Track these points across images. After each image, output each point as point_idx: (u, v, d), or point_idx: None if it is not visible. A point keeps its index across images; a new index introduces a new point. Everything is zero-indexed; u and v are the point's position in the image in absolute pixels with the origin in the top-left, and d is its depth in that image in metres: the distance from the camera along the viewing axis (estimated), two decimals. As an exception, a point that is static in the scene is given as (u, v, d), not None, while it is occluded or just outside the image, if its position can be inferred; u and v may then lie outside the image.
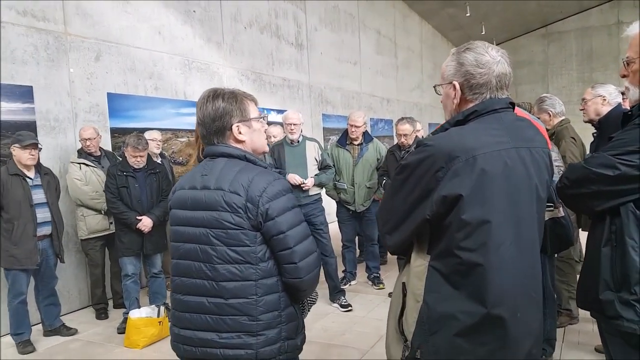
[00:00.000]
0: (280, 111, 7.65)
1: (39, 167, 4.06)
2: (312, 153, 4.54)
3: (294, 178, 4.32)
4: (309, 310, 1.90)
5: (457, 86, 1.47)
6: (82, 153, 4.66)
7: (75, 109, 4.99)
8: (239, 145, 1.70)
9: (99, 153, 4.76)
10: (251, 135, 1.72)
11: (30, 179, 3.95)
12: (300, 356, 1.77)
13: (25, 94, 4.52)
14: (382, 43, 11.59)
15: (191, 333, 1.63)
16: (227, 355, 1.58)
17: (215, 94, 1.67)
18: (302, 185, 4.35)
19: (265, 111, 7.69)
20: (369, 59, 10.94)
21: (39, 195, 3.98)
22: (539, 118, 3.64)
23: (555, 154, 3.24)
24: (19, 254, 3.79)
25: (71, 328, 4.21)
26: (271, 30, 7.93)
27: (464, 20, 13.52)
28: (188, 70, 6.38)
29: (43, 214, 3.98)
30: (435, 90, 1.58)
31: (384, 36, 11.62)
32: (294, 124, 4.47)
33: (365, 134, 5.09)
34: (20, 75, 4.49)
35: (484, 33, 13.78)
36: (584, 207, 1.78)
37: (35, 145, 3.93)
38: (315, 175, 4.51)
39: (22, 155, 3.87)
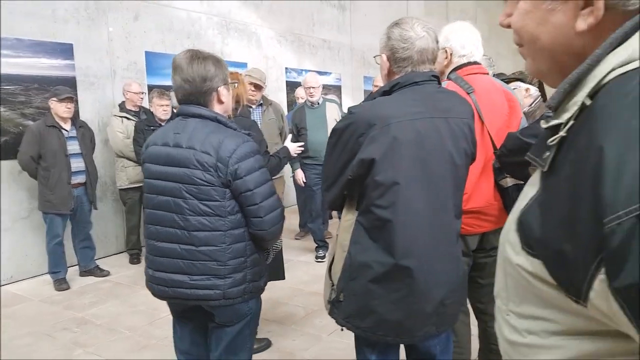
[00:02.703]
0: (319, 72, 7.63)
1: (74, 120, 4.35)
2: (333, 114, 4.57)
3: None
4: (273, 256, 2.09)
5: (385, 58, 1.60)
6: (123, 107, 4.92)
7: (114, 66, 5.24)
8: (217, 107, 1.83)
9: (138, 109, 5.00)
10: (228, 98, 1.87)
11: (66, 130, 4.24)
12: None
13: (65, 51, 4.79)
14: (432, 4, 11.15)
15: (165, 275, 1.79)
16: (197, 295, 1.76)
17: (203, 56, 1.78)
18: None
19: (303, 72, 7.70)
20: (418, 20, 10.58)
21: (73, 146, 4.27)
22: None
23: None
24: (54, 199, 4.12)
25: (104, 270, 4.57)
26: (312, -10, 7.85)
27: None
28: (226, 30, 6.48)
29: (77, 164, 4.28)
30: (375, 60, 1.69)
31: (434, -3, 11.17)
32: (313, 87, 4.54)
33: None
34: (61, 33, 4.76)
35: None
36: (520, 174, 1.89)
37: (71, 99, 4.20)
38: None
39: (58, 108, 4.15)
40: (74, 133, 4.30)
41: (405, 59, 1.54)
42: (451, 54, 2.14)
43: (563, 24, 0.62)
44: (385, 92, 1.57)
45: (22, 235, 4.50)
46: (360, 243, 1.56)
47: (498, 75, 4.18)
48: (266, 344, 3.01)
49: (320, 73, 7.64)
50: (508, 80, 3.70)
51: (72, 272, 4.48)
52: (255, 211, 1.76)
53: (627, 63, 0.56)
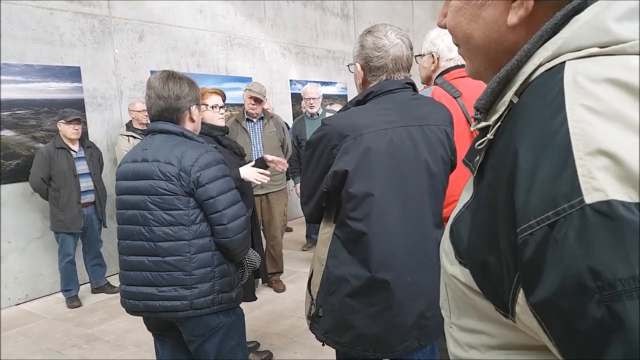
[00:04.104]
0: (324, 83, 7.71)
1: (82, 141, 4.49)
2: (333, 124, 4.60)
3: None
4: (249, 273, 2.09)
5: (359, 67, 1.57)
6: (130, 126, 5.05)
7: (121, 86, 5.38)
8: (189, 125, 1.92)
9: (145, 127, 5.13)
10: (199, 117, 1.97)
11: (75, 151, 4.37)
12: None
13: (73, 74, 4.95)
14: (439, 8, 11.16)
15: (135, 289, 1.84)
16: (165, 306, 1.80)
17: (178, 76, 1.88)
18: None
19: (308, 83, 7.78)
20: (423, 25, 10.60)
21: (82, 167, 4.41)
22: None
23: None
24: (65, 219, 4.25)
25: (115, 286, 4.65)
26: (315, 2, 7.94)
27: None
28: (230, 46, 6.60)
29: (86, 183, 4.41)
30: (349, 68, 1.67)
31: (441, 0, 11.18)
32: (313, 99, 4.58)
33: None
34: (68, 57, 4.91)
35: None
36: None
37: (78, 121, 4.34)
38: None
39: (66, 130, 4.29)
40: (82, 154, 4.44)
41: (380, 68, 1.53)
42: (438, 58, 2.11)
43: (494, 19, 0.60)
44: (359, 101, 1.55)
45: (36, 255, 4.64)
46: (337, 256, 1.54)
47: None
48: (267, 357, 3.05)
49: (324, 83, 7.73)
50: None
51: (85, 290, 4.60)
52: (218, 219, 1.80)
53: (556, 57, 0.52)
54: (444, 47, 2.09)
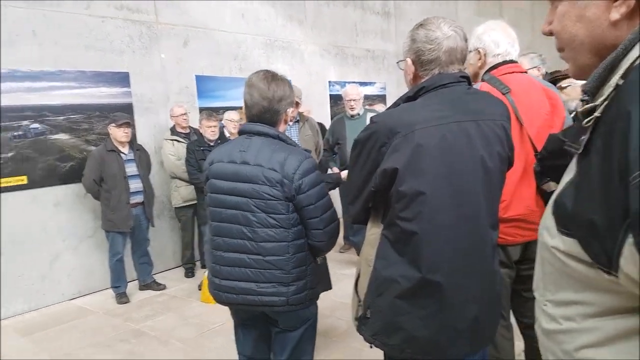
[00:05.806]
0: (362, 83, 7.70)
1: (132, 144, 4.67)
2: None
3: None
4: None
5: (410, 62, 1.51)
6: (174, 131, 5.22)
7: (167, 91, 5.56)
8: (282, 126, 1.98)
9: (188, 130, 5.29)
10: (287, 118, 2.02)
11: (124, 154, 4.55)
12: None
13: (122, 79, 5.16)
14: (484, 4, 10.91)
15: (232, 283, 1.94)
16: (263, 301, 1.91)
17: (280, 78, 1.94)
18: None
19: (346, 84, 7.80)
20: (467, 21, 10.33)
21: (132, 168, 4.58)
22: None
23: None
24: (115, 219, 4.44)
25: (161, 284, 4.84)
26: (355, 2, 7.93)
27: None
28: (271, 49, 6.69)
29: (135, 185, 4.58)
30: (398, 65, 1.61)
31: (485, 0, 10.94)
32: (353, 100, 4.57)
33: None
34: (118, 63, 5.12)
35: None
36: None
37: (128, 124, 4.52)
38: None
39: (117, 133, 4.48)
40: (131, 156, 4.61)
41: (432, 61, 1.46)
42: (485, 55, 2.06)
43: (597, 17, 0.68)
44: (410, 97, 1.48)
45: (88, 253, 4.86)
46: (385, 257, 1.48)
47: (553, 73, 4.03)
48: (307, 357, 3.10)
49: (363, 84, 7.71)
50: (563, 77, 3.57)
51: (132, 287, 4.78)
52: (316, 224, 1.89)
53: None
54: (490, 42, 2.04)
